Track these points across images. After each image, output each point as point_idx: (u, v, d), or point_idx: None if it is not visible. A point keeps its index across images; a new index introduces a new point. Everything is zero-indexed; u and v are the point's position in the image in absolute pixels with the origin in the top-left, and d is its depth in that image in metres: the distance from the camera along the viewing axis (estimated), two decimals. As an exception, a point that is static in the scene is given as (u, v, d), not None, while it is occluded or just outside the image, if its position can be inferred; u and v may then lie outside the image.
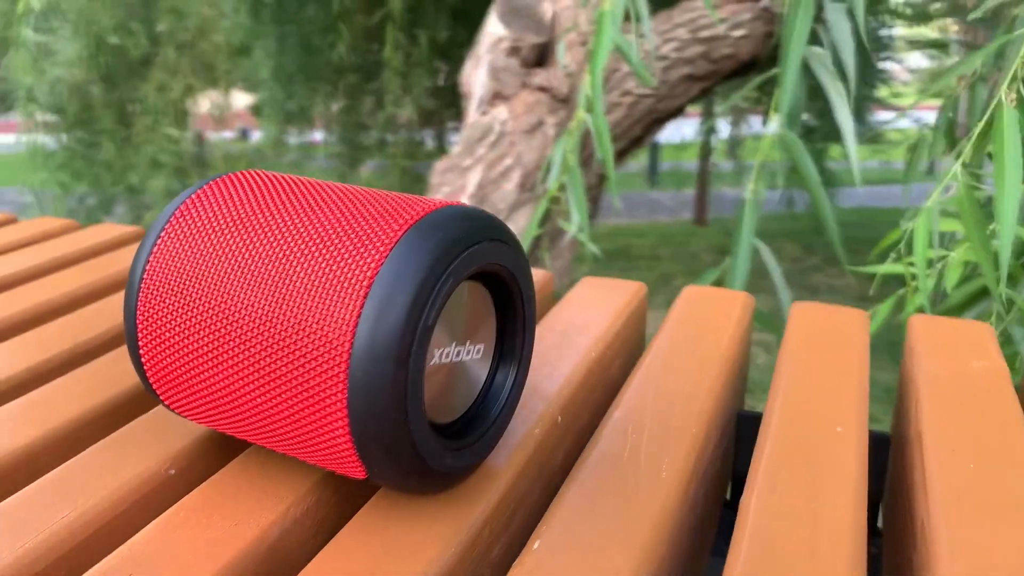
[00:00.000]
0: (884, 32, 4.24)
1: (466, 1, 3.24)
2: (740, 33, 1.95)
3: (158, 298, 0.30)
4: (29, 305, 0.49)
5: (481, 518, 0.30)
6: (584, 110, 1.02)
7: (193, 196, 0.31)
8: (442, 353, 0.29)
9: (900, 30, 4.56)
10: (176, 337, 0.29)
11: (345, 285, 0.26)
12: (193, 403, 0.30)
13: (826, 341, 0.44)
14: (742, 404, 0.50)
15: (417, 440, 0.27)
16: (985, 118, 0.70)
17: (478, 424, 0.31)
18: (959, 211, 0.70)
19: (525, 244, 1.35)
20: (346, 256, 0.27)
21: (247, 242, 0.29)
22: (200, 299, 0.29)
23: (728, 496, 0.48)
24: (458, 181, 1.94)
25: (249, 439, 0.31)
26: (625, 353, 0.47)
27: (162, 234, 0.30)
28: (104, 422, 0.37)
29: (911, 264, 0.76)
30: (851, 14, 0.88)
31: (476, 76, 2.00)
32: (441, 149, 3.67)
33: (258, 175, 0.32)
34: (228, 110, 3.81)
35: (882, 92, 4.45)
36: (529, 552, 0.28)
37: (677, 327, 0.46)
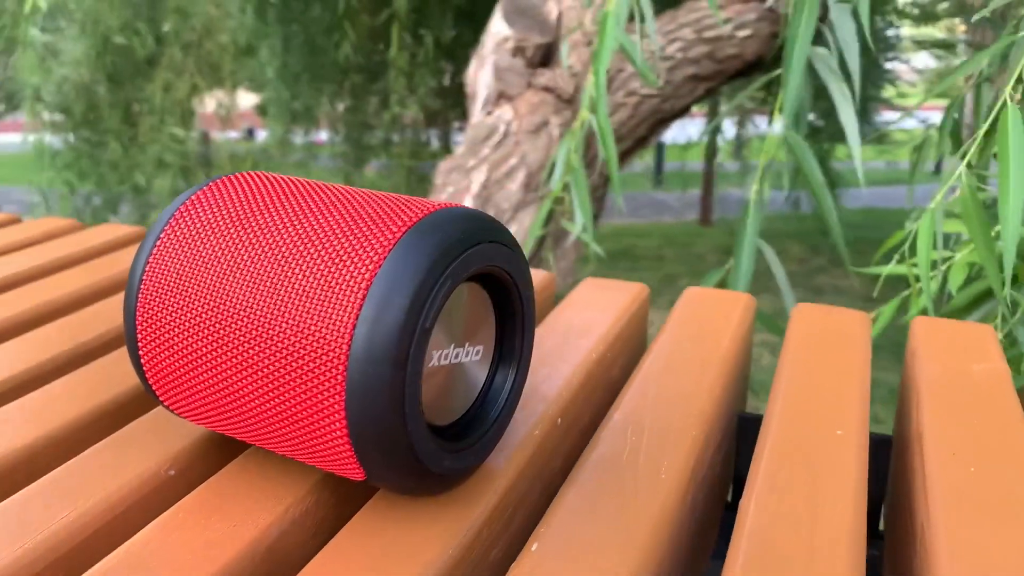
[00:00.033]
0: (890, 32, 4.23)
1: (472, 1, 3.25)
2: (745, 33, 1.95)
3: (157, 299, 0.30)
4: (31, 305, 0.49)
5: (480, 520, 0.30)
6: (588, 110, 1.02)
7: (192, 198, 0.31)
8: (441, 355, 0.29)
9: (906, 30, 4.55)
10: (175, 338, 0.29)
11: (343, 287, 0.26)
12: (192, 404, 0.30)
13: (827, 343, 0.44)
14: (744, 406, 0.49)
15: (415, 442, 0.27)
16: (989, 119, 0.70)
17: (477, 426, 0.31)
18: (963, 212, 0.70)
19: (529, 244, 1.35)
20: (344, 258, 0.27)
21: (246, 244, 0.29)
22: (199, 300, 0.29)
23: (730, 498, 0.48)
24: (462, 181, 1.94)
25: (248, 440, 0.31)
26: (626, 354, 0.47)
27: (161, 236, 0.30)
28: (105, 423, 0.37)
29: (914, 266, 0.76)
30: (856, 14, 0.87)
31: (481, 76, 2.00)
32: (446, 149, 3.67)
33: (257, 176, 0.32)
34: (233, 110, 3.82)
35: (888, 92, 4.44)
36: (527, 554, 0.28)
37: (678, 328, 0.46)
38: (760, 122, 4.78)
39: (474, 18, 2.99)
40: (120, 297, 0.50)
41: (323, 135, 4.04)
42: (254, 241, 0.29)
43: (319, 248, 0.27)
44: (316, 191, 0.30)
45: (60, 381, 0.40)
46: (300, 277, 0.27)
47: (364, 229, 0.27)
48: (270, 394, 0.28)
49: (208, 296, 0.29)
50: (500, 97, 1.96)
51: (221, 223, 0.29)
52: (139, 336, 0.30)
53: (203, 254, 0.29)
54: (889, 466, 0.44)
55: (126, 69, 3.39)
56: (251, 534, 0.28)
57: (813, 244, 4.89)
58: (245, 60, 3.57)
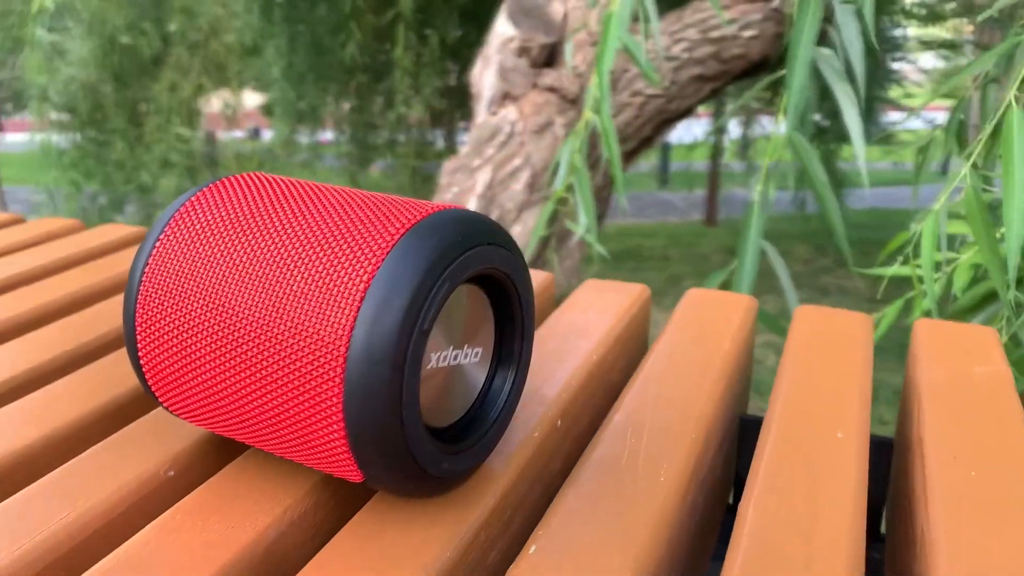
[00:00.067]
0: (896, 32, 4.22)
1: (477, 1, 3.25)
2: (750, 33, 1.94)
3: (157, 301, 0.30)
4: (33, 306, 0.49)
5: (478, 522, 0.30)
6: (591, 111, 1.02)
7: (191, 199, 0.31)
8: (439, 357, 0.29)
9: (913, 30, 4.53)
10: (174, 340, 0.29)
11: (341, 288, 0.26)
12: (191, 406, 0.30)
13: (829, 345, 0.44)
14: (745, 408, 0.49)
15: (413, 444, 0.27)
16: (993, 120, 0.70)
17: (476, 428, 0.31)
18: (967, 214, 0.70)
19: (532, 245, 1.35)
20: (343, 259, 0.27)
21: (245, 245, 0.29)
22: (198, 302, 0.29)
23: (731, 500, 0.48)
24: (467, 181, 1.94)
25: (247, 442, 0.31)
26: (627, 356, 0.47)
27: (161, 237, 0.30)
28: (105, 423, 0.37)
29: (918, 267, 0.75)
30: (860, 15, 0.87)
31: (485, 76, 2.00)
32: (451, 149, 3.67)
33: (257, 178, 0.32)
34: (239, 110, 3.83)
35: (894, 92, 4.43)
36: (525, 557, 0.28)
37: (679, 330, 0.46)
38: (766, 122, 4.78)
39: (479, 18, 2.99)
40: (122, 297, 0.50)
41: (328, 135, 4.04)
42: (253, 242, 0.29)
43: (318, 250, 0.27)
44: (315, 192, 0.30)
45: (61, 381, 0.40)
46: (299, 278, 0.27)
47: (363, 231, 0.27)
48: (269, 395, 0.28)
49: (207, 297, 0.29)
50: (505, 97, 1.96)
51: (220, 225, 0.30)
52: (138, 337, 0.30)
53: (202, 255, 0.29)
54: (891, 468, 0.44)
55: (132, 69, 3.40)
56: (249, 535, 0.28)
57: (818, 244, 4.88)
58: (251, 60, 3.58)
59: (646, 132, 2.04)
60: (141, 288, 0.30)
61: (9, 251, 0.60)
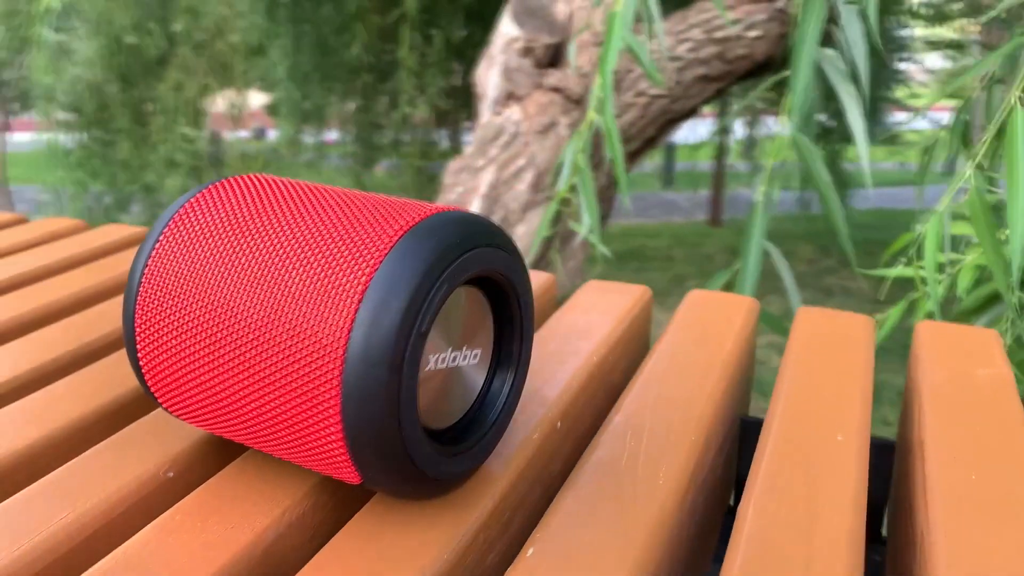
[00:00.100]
0: (902, 33, 4.21)
1: (482, 1, 3.25)
2: (755, 34, 1.94)
3: (156, 302, 0.30)
4: (35, 306, 0.49)
5: (477, 524, 0.30)
6: (595, 111, 1.02)
7: (191, 201, 0.31)
8: (438, 358, 0.29)
9: (918, 30, 4.52)
10: (173, 341, 0.29)
11: (339, 290, 0.26)
12: (190, 407, 0.30)
13: (830, 346, 0.44)
14: (746, 409, 0.49)
15: (411, 445, 0.27)
16: (997, 120, 0.70)
17: (475, 430, 0.31)
18: (971, 215, 0.70)
19: (536, 245, 1.35)
20: (341, 261, 0.27)
21: (244, 247, 0.29)
22: (197, 303, 0.29)
23: (732, 502, 0.48)
24: (471, 182, 1.94)
25: (246, 443, 0.31)
26: (628, 357, 0.47)
27: (160, 238, 0.30)
28: (106, 423, 0.37)
29: (921, 268, 0.75)
30: (864, 16, 0.87)
31: (489, 76, 2.00)
32: (455, 149, 3.68)
33: (256, 179, 0.32)
34: (244, 109, 3.83)
35: (900, 93, 4.42)
36: (523, 559, 0.28)
37: (681, 331, 0.46)
38: (771, 122, 4.77)
39: (484, 18, 2.99)
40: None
41: (333, 135, 4.05)
42: (251, 244, 0.29)
43: (316, 251, 0.27)
44: (314, 194, 0.30)
45: (63, 381, 0.40)
46: (297, 280, 0.27)
47: (361, 232, 0.27)
48: (267, 397, 0.28)
49: (206, 299, 0.29)
50: (509, 97, 1.96)
51: (219, 226, 0.30)
52: (138, 338, 0.30)
53: (201, 257, 0.29)
54: (892, 470, 0.44)
55: (137, 69, 3.41)
56: (248, 537, 0.28)
57: (822, 245, 4.88)
58: (256, 60, 3.59)
59: (650, 132, 2.04)
60: (140, 289, 0.30)
61: (12, 251, 0.60)
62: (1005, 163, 0.68)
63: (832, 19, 0.92)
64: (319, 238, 0.28)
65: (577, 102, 1.93)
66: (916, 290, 0.83)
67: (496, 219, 1.88)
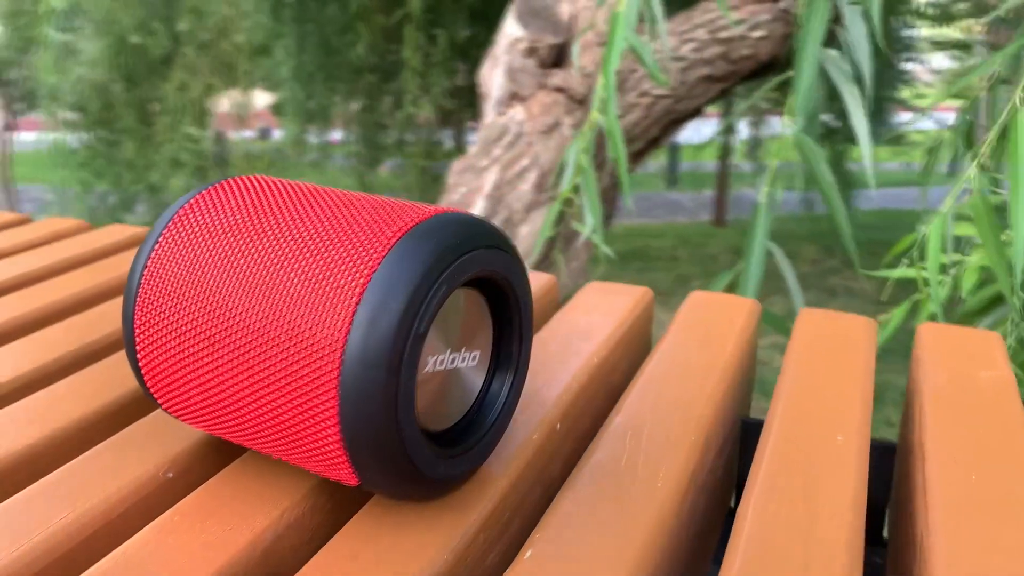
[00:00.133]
0: (907, 33, 4.20)
1: (486, 1, 3.25)
2: (759, 34, 1.94)
3: (155, 303, 0.30)
4: (37, 306, 0.50)
5: (475, 525, 0.30)
6: (597, 111, 1.01)
7: (190, 202, 0.31)
8: (436, 360, 0.29)
9: (924, 31, 4.52)
10: (172, 342, 0.29)
11: (338, 292, 0.26)
12: (189, 408, 0.30)
13: (832, 348, 0.44)
14: (748, 411, 0.49)
15: (409, 447, 0.27)
16: (1000, 121, 0.70)
17: (473, 431, 0.31)
18: (974, 216, 0.69)
19: (539, 246, 1.34)
20: (339, 263, 0.27)
21: (242, 248, 0.29)
22: (196, 305, 0.29)
23: (733, 503, 0.48)
24: (475, 182, 1.94)
25: (245, 444, 0.31)
26: (628, 358, 0.47)
27: (159, 240, 0.30)
28: (106, 424, 0.37)
29: (924, 269, 0.75)
30: (867, 16, 0.87)
31: (493, 77, 2.00)
32: (460, 149, 3.68)
33: (255, 180, 0.32)
34: (249, 109, 3.84)
35: (905, 93, 4.41)
36: (521, 561, 0.28)
37: (682, 333, 0.46)
38: (775, 122, 4.76)
39: (488, 18, 2.99)
40: (126, 298, 0.50)
41: (338, 135, 4.05)
42: (250, 245, 0.29)
43: (314, 252, 0.28)
44: (313, 195, 0.30)
45: (64, 382, 0.40)
46: (295, 281, 0.27)
47: (360, 234, 0.28)
48: (265, 398, 0.28)
49: (205, 300, 0.29)
50: (513, 98, 1.96)
51: (218, 227, 0.30)
52: (137, 339, 0.30)
53: (200, 258, 0.29)
54: (893, 472, 0.44)
55: (141, 69, 3.42)
56: (247, 538, 0.28)
57: (826, 245, 4.87)
58: (260, 60, 3.59)
59: (654, 133, 2.04)
60: (140, 290, 0.30)
61: (16, 251, 0.61)
62: (1008, 164, 0.68)
63: (836, 19, 0.92)
64: (318, 240, 0.28)
65: (581, 102, 1.93)
66: (919, 291, 0.83)
67: (500, 219, 1.88)
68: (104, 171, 3.50)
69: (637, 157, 2.12)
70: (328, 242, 0.28)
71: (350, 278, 0.26)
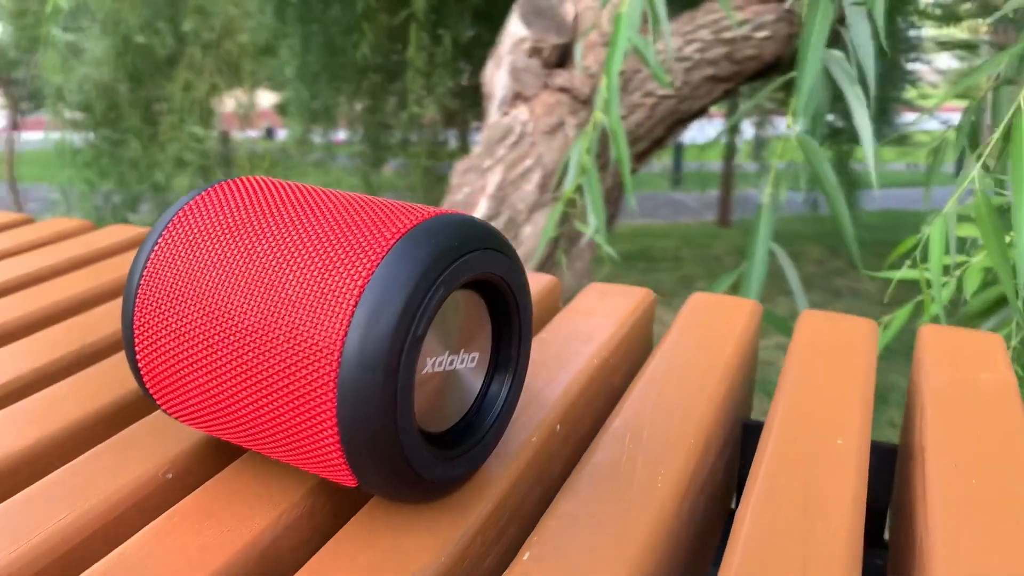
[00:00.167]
0: (912, 33, 4.19)
1: (490, 1, 3.25)
2: (763, 34, 1.94)
3: (154, 305, 0.30)
4: (39, 306, 0.50)
5: (473, 527, 0.30)
6: (600, 111, 1.01)
7: (189, 204, 0.31)
8: (435, 362, 0.29)
9: (929, 31, 4.51)
10: (171, 343, 0.29)
11: (336, 294, 0.26)
12: (188, 409, 0.30)
13: (832, 350, 0.44)
14: (749, 413, 0.49)
15: (406, 448, 0.27)
16: (1004, 123, 0.69)
17: (471, 433, 0.31)
18: (976, 217, 0.69)
19: (542, 246, 1.34)
20: (338, 265, 0.27)
21: (241, 250, 0.29)
22: (195, 306, 0.29)
23: (734, 505, 0.48)
24: (478, 182, 1.94)
25: (244, 445, 0.31)
26: (629, 360, 0.47)
27: (158, 241, 0.30)
28: (107, 424, 0.37)
29: (926, 271, 0.75)
30: (871, 17, 0.86)
31: (497, 77, 2.00)
32: (464, 149, 3.68)
33: (254, 181, 0.32)
34: (253, 109, 3.84)
35: (910, 93, 4.40)
36: (518, 563, 0.28)
37: (682, 334, 0.46)
38: (780, 123, 4.76)
39: (492, 18, 2.99)
40: (127, 298, 0.50)
41: (342, 135, 4.05)
42: (249, 247, 0.29)
43: (313, 254, 0.28)
44: (312, 197, 0.30)
45: (66, 382, 0.40)
46: (294, 283, 0.27)
47: (358, 235, 0.28)
48: (264, 399, 0.28)
49: (203, 301, 0.29)
50: (516, 98, 1.96)
51: (217, 229, 0.30)
52: (136, 341, 0.30)
53: (199, 260, 0.29)
54: (894, 474, 0.44)
55: (147, 68, 3.42)
56: (245, 539, 0.28)
57: (832, 246, 4.86)
58: (264, 59, 3.59)
59: (658, 133, 2.04)
60: (139, 292, 0.30)
61: (19, 251, 0.61)
62: (1011, 165, 0.67)
63: (841, 20, 0.91)
64: (316, 241, 0.28)
65: (585, 102, 1.93)
66: (922, 293, 0.83)
67: (503, 219, 1.88)
68: (109, 170, 3.51)
69: (641, 157, 2.11)
70: (326, 244, 0.28)
71: (348, 280, 0.26)
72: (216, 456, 0.34)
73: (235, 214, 0.30)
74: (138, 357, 0.31)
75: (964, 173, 0.77)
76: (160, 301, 0.30)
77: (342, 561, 0.28)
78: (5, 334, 0.47)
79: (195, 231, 0.30)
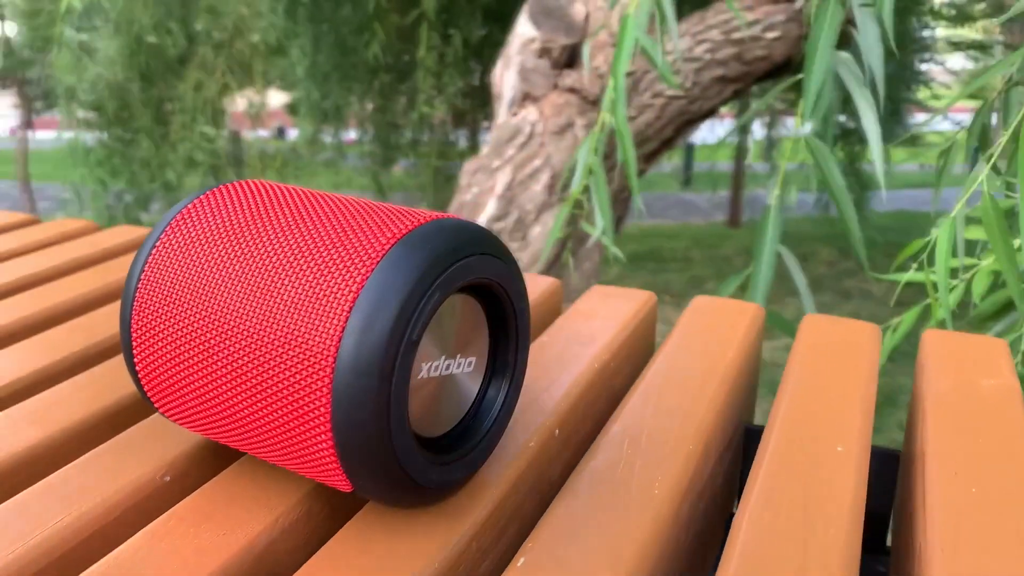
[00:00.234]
0: (925, 33, 4.17)
1: (500, 1, 3.25)
2: (774, 35, 1.93)
3: (151, 308, 0.30)
4: (42, 307, 0.50)
5: (470, 532, 0.30)
6: (607, 112, 1.01)
7: (187, 207, 0.31)
8: (431, 366, 0.29)
9: (941, 31, 4.48)
10: (168, 347, 0.29)
11: (331, 298, 0.26)
12: (186, 412, 0.31)
13: (835, 355, 0.44)
14: (751, 417, 0.49)
15: (401, 454, 0.27)
16: (1013, 125, 0.69)
17: (468, 438, 0.31)
18: (984, 220, 0.69)
19: (548, 247, 1.34)
20: (333, 269, 0.27)
21: (238, 253, 0.29)
22: (191, 310, 0.29)
23: (735, 510, 0.47)
24: (487, 182, 1.94)
25: (240, 448, 0.31)
26: (630, 363, 0.46)
27: (157, 245, 0.30)
28: (106, 426, 0.38)
29: (933, 274, 0.74)
30: (879, 19, 0.86)
31: (506, 77, 2.00)
32: (474, 149, 3.68)
33: (253, 185, 0.32)
34: (264, 109, 3.85)
35: (922, 94, 4.38)
36: (513, 568, 0.28)
37: (684, 338, 0.45)
38: (790, 123, 4.74)
39: (503, 18, 2.99)
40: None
41: (352, 134, 4.06)
42: (246, 251, 0.29)
43: (309, 259, 0.28)
44: (310, 201, 0.30)
45: (67, 383, 0.40)
46: (289, 287, 0.27)
47: (354, 240, 0.28)
48: (259, 404, 0.28)
49: (200, 305, 0.29)
50: (525, 98, 1.96)
51: (214, 233, 0.30)
52: (134, 343, 0.30)
53: (195, 264, 0.29)
54: (897, 480, 0.43)
55: (158, 68, 3.43)
56: (241, 543, 0.29)
57: (842, 247, 4.84)
58: (275, 59, 3.60)
59: (667, 133, 2.03)
60: (136, 295, 0.30)
61: (23, 252, 0.61)
62: (1020, 167, 0.67)
63: (850, 21, 0.91)
64: (312, 245, 0.28)
65: (593, 103, 1.92)
66: (929, 295, 0.82)
67: (511, 220, 1.88)
68: (120, 170, 3.52)
69: (651, 157, 2.11)
70: (323, 248, 0.28)
71: (343, 284, 0.26)
72: (214, 459, 0.34)
73: (232, 218, 0.30)
74: (136, 360, 0.31)
75: (971, 175, 0.76)
76: (157, 305, 0.30)
77: (338, 564, 0.28)
78: (8, 335, 0.47)
79: (192, 235, 0.30)
